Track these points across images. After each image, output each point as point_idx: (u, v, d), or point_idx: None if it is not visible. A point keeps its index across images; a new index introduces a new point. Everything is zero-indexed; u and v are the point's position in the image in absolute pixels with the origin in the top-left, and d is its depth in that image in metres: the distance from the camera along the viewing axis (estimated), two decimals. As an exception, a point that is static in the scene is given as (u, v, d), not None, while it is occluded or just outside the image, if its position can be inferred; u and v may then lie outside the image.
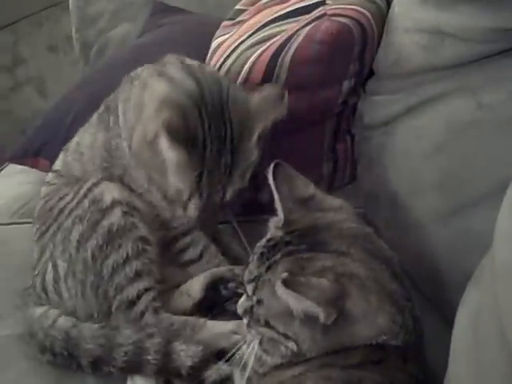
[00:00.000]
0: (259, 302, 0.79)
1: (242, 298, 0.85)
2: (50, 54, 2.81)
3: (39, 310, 1.10)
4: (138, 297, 1.05)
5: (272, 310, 0.77)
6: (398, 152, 1.13)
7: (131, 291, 1.05)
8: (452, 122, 1.01)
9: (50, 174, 1.30)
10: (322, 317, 0.72)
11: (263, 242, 0.84)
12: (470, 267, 0.94)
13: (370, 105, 1.29)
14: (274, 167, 0.86)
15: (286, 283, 0.72)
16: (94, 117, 1.27)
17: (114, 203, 1.10)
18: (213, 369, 0.95)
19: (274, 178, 0.86)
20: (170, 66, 1.15)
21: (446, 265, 0.99)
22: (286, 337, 0.77)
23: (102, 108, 1.26)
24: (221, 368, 0.95)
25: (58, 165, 1.30)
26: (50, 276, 1.11)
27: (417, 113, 1.10)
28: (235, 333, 1.01)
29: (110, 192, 1.11)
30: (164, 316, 1.05)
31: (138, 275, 1.05)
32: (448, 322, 1.01)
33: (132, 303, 1.04)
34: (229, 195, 1.07)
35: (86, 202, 1.11)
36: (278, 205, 0.85)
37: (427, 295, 1.04)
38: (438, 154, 1.02)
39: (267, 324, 0.78)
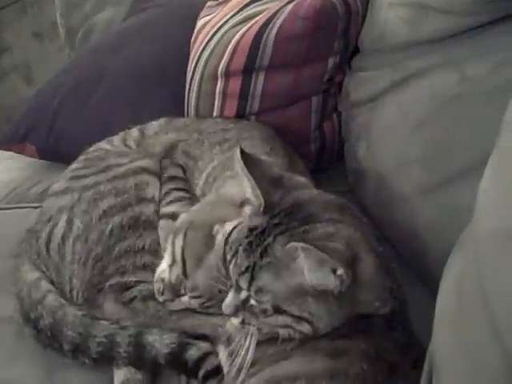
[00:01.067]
0: (260, 290, 0.76)
1: (229, 297, 0.81)
2: (35, 41, 2.79)
3: (31, 276, 1.08)
4: (136, 285, 1.04)
5: (280, 293, 0.75)
6: (384, 127, 1.13)
7: (132, 278, 1.04)
8: (436, 96, 1.01)
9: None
10: (339, 282, 0.72)
11: (244, 232, 0.80)
12: (453, 241, 0.95)
13: (355, 81, 1.28)
14: (241, 153, 0.82)
15: (303, 249, 0.71)
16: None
17: (153, 200, 1.11)
18: (193, 348, 0.94)
19: (245, 164, 0.82)
20: None
21: (431, 239, 0.99)
22: (300, 319, 0.76)
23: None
24: (201, 346, 0.94)
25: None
26: (59, 231, 1.09)
27: (401, 88, 1.09)
28: (220, 326, 0.97)
29: (155, 189, 1.13)
30: (151, 303, 1.02)
31: (144, 267, 1.05)
32: (434, 294, 1.03)
33: (126, 288, 1.03)
34: None
35: (131, 182, 1.11)
36: (253, 190, 0.81)
37: (413, 268, 1.05)
38: (422, 128, 1.02)
39: (277, 310, 0.76)
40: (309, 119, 1.36)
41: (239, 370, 0.81)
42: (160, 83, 1.50)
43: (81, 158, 1.23)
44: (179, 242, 0.97)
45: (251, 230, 0.79)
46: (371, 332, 0.79)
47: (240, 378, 0.80)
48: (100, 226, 1.06)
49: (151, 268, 1.04)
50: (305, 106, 1.34)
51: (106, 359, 0.96)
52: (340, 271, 0.72)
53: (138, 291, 1.03)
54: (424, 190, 1.01)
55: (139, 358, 0.94)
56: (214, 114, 1.37)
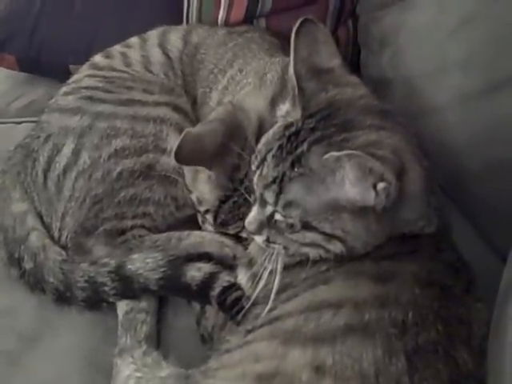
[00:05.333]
0: (288, 205, 0.68)
1: (252, 213, 0.74)
2: None
3: (19, 207, 1.00)
4: (131, 229, 0.98)
5: (311, 208, 0.67)
6: (418, 29, 1.02)
7: (129, 224, 0.98)
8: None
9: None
10: (384, 196, 0.64)
11: (277, 131, 0.72)
12: (493, 155, 0.86)
13: (382, -22, 1.16)
14: (302, 23, 0.72)
15: (351, 157, 0.62)
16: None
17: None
18: (193, 268, 0.87)
19: (297, 36, 0.72)
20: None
21: (470, 153, 0.92)
22: (332, 237, 0.68)
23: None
24: (200, 266, 0.87)
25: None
26: (62, 160, 0.99)
27: (442, -18, 0.98)
28: (226, 246, 0.93)
29: (174, 143, 1.00)
30: (146, 237, 0.98)
31: (144, 216, 0.99)
32: (467, 216, 0.95)
33: (122, 233, 0.98)
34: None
35: (151, 127, 1.01)
36: (290, 67, 0.73)
37: (444, 188, 0.97)
38: (465, 28, 0.91)
39: (306, 226, 0.69)
40: (324, 23, 1.22)
41: (265, 295, 0.74)
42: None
43: (96, 71, 1.12)
44: None
45: (286, 127, 0.70)
46: (419, 253, 0.71)
47: (269, 305, 0.72)
48: (108, 165, 0.98)
49: (151, 217, 0.99)
50: (322, 6, 1.25)
51: (95, 303, 0.91)
52: (389, 183, 0.63)
53: (132, 235, 0.98)
54: (464, 99, 0.91)
55: (129, 290, 0.89)
56: (220, 15, 1.23)
